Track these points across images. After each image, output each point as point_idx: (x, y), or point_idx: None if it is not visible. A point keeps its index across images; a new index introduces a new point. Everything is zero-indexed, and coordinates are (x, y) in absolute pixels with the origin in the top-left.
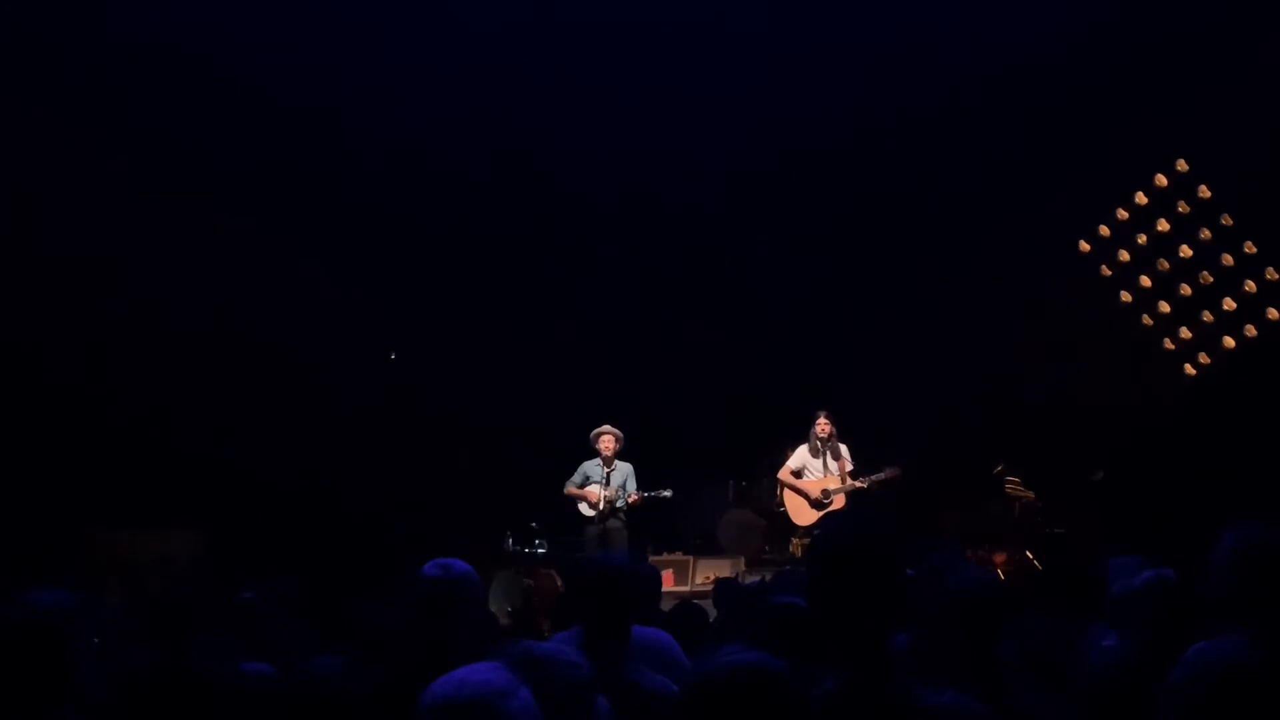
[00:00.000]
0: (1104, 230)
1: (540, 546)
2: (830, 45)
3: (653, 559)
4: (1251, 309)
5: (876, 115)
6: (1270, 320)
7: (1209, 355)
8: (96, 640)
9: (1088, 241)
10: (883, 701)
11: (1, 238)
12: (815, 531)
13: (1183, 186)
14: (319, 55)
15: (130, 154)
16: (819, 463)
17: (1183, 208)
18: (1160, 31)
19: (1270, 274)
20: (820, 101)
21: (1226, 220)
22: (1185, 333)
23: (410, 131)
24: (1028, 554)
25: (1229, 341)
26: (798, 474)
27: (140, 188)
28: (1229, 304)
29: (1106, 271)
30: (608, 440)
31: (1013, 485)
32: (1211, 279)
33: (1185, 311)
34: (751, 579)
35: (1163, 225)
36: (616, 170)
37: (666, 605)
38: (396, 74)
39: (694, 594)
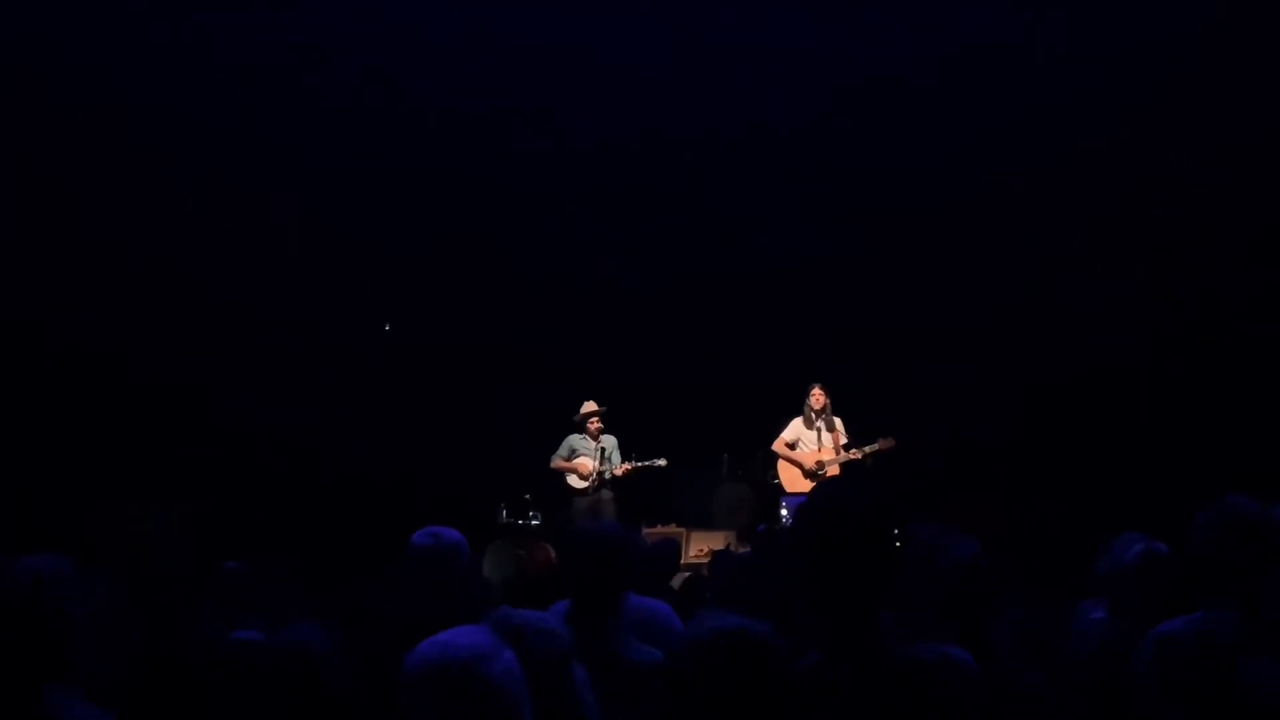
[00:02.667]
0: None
1: (534, 519)
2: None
3: (646, 531)
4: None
5: (897, 86)
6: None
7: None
8: (88, 610)
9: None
10: (869, 667)
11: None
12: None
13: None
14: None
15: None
16: (813, 434)
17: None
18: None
19: None
20: (832, 79)
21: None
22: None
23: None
24: (1018, 528)
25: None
26: (792, 446)
27: (121, 152)
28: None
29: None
30: (593, 414)
31: None
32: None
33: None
34: (744, 551)
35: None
36: (612, 141)
37: None
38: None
39: (687, 566)
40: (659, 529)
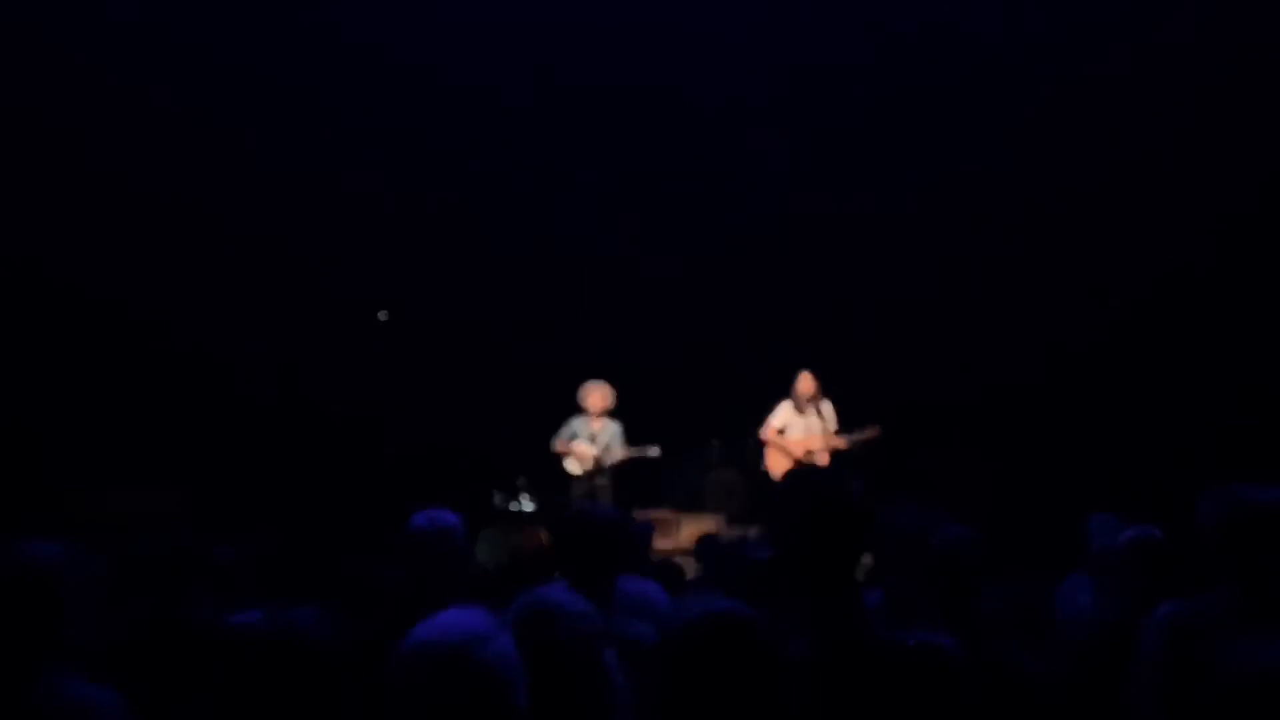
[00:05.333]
0: None
1: (528, 503)
2: None
3: (636, 515)
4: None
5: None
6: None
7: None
8: (86, 592)
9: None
10: (853, 652)
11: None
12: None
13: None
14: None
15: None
16: (802, 421)
17: None
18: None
19: None
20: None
21: None
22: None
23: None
24: (1006, 510)
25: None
26: (781, 432)
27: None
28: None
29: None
30: (596, 398)
31: None
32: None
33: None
34: (732, 535)
35: None
36: (596, 124)
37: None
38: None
39: (679, 551)
40: (650, 513)
